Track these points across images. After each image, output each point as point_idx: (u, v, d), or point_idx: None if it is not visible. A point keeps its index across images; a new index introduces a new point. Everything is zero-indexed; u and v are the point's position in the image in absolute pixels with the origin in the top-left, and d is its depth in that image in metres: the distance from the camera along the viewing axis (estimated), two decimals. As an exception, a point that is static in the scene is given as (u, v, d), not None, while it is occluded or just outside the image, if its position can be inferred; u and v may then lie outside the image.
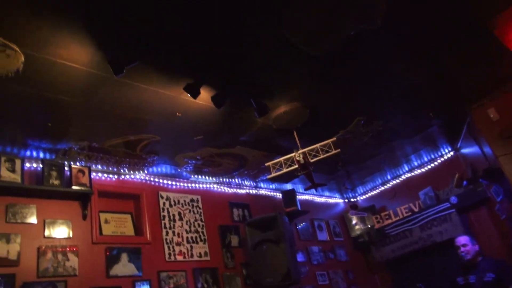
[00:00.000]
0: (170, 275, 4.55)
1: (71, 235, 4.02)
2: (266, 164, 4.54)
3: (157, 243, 4.70)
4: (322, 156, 4.23)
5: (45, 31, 2.72)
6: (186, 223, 5.12)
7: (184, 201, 5.28)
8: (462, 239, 4.61)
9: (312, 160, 4.26)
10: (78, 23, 2.72)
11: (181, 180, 5.39)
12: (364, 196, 7.76)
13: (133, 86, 3.45)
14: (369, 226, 7.05)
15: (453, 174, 6.12)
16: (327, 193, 7.51)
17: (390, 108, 4.81)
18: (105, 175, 4.66)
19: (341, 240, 7.16)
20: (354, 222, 7.38)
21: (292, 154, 4.29)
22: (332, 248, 6.85)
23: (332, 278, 6.41)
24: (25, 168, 3.96)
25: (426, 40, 3.77)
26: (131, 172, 4.87)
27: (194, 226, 5.18)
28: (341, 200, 7.84)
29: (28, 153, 4.05)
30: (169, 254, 4.72)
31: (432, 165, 6.67)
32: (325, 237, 6.90)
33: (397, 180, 7.17)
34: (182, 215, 5.14)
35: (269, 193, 6.52)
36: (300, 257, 6.01)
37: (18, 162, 3.87)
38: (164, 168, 5.08)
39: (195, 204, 5.37)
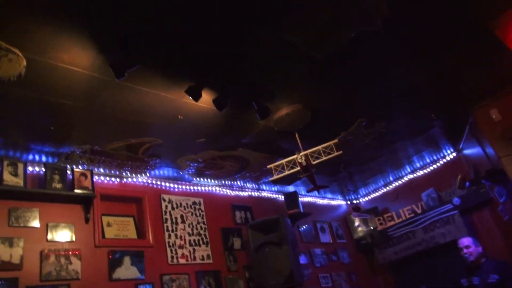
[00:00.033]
0: (172, 278, 4.55)
1: (73, 239, 4.03)
2: (268, 167, 4.55)
3: (160, 246, 4.70)
4: (324, 158, 4.23)
5: (46, 35, 2.73)
6: (189, 226, 5.12)
7: (186, 204, 5.28)
8: (465, 241, 4.59)
9: (314, 162, 4.26)
10: (79, 26, 2.73)
11: (183, 183, 5.39)
12: (366, 198, 7.74)
13: (135, 89, 3.46)
14: (371, 228, 7.03)
15: (456, 175, 6.09)
16: (329, 195, 7.51)
17: (391, 109, 4.81)
18: (107, 178, 4.67)
19: (343, 242, 7.15)
20: (356, 224, 7.37)
21: (294, 156, 4.29)
22: (335, 250, 6.84)
23: (335, 280, 6.40)
24: (28, 172, 3.97)
25: (427, 41, 3.76)
26: (133, 175, 4.87)
27: (197, 228, 5.18)
28: (343, 202, 7.83)
29: (30, 157, 4.06)
30: (172, 257, 4.72)
31: (435, 166, 6.65)
32: (327, 239, 6.89)
33: (400, 182, 7.16)
34: (185, 218, 5.14)
35: (271, 195, 6.52)
36: (302, 260, 5.99)
37: (20, 166, 3.88)
38: (166, 171, 5.08)
39: (197, 206, 5.37)
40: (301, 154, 4.25)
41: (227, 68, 3.50)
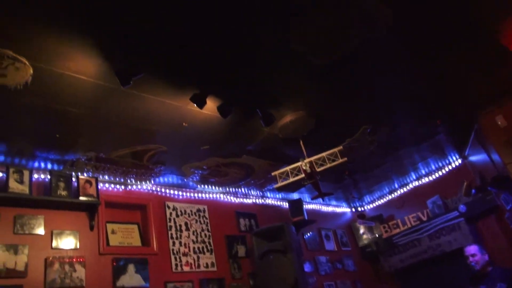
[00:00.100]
0: (177, 286, 4.53)
1: (78, 246, 4.03)
2: (273, 174, 4.54)
3: (164, 253, 4.69)
4: (328, 165, 4.21)
5: (52, 44, 2.75)
6: (193, 233, 5.11)
7: (191, 211, 5.27)
8: (472, 249, 4.55)
9: (318, 169, 4.24)
10: (84, 35, 2.75)
11: (188, 190, 5.39)
12: (371, 205, 7.69)
13: (140, 97, 3.48)
14: (377, 235, 6.98)
15: (461, 182, 6.06)
16: (334, 202, 7.47)
17: (396, 115, 4.79)
18: (112, 185, 4.68)
19: (348, 249, 7.10)
20: (361, 231, 7.32)
21: (299, 163, 4.28)
22: (340, 258, 6.79)
23: (340, 289, 6.35)
24: (33, 179, 3.98)
25: (431, 44, 3.72)
26: (138, 182, 4.88)
27: (201, 236, 5.17)
28: (348, 209, 7.79)
29: (36, 164, 4.08)
30: (176, 264, 4.70)
31: (440, 173, 6.62)
32: (332, 247, 6.85)
33: (405, 189, 7.12)
34: (189, 225, 5.13)
35: (275, 202, 6.50)
36: (307, 267, 5.95)
37: (26, 174, 3.90)
38: (171, 178, 5.09)
39: (201, 214, 5.36)
40: (305, 161, 4.24)
41: (231, 75, 3.51)
